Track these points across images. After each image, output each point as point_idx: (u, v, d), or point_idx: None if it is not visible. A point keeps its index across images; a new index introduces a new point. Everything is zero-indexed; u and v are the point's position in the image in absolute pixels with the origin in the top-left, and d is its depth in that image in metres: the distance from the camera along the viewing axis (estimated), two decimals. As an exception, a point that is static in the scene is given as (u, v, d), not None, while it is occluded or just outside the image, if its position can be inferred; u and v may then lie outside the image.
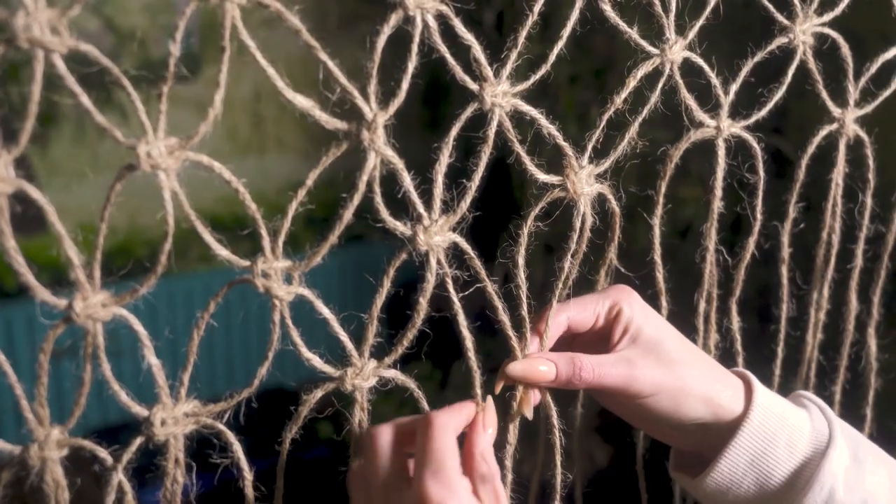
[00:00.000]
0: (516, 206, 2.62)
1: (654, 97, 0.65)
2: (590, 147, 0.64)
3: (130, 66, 0.48)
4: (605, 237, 0.70)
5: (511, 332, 0.65)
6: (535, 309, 0.67)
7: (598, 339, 0.69)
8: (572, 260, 0.67)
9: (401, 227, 0.57)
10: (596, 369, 0.65)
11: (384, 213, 0.56)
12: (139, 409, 0.53)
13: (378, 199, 0.55)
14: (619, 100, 0.63)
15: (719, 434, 0.67)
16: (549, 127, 0.61)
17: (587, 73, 2.32)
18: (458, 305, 0.61)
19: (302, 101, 0.51)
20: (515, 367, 0.65)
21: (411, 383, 0.63)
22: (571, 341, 0.70)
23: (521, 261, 0.64)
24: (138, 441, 0.53)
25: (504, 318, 0.64)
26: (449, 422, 0.60)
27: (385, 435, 0.61)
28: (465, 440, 0.63)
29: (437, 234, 0.57)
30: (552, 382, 0.66)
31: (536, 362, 0.66)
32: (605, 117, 0.63)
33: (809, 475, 0.65)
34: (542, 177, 0.63)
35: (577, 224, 0.65)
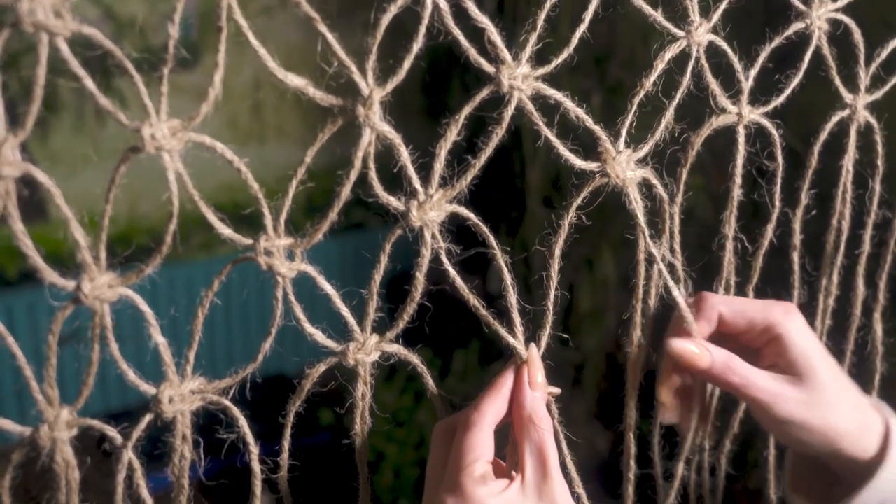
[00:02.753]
0: (519, 194, 2.62)
1: (686, 80, 0.64)
2: (624, 132, 0.62)
3: (131, 53, 0.48)
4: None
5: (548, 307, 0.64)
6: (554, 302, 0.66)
7: (741, 348, 0.69)
8: (656, 241, 0.67)
9: (394, 202, 0.56)
10: (748, 378, 0.66)
11: (378, 188, 0.55)
12: (147, 388, 0.53)
13: (372, 174, 0.54)
14: (648, 83, 0.62)
15: (850, 467, 0.68)
16: (576, 110, 0.60)
17: (587, 60, 2.31)
18: (454, 274, 0.60)
19: (295, 80, 0.50)
20: (676, 344, 0.66)
21: (414, 358, 0.63)
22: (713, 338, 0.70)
23: (557, 252, 0.63)
24: (147, 418, 0.53)
25: (512, 296, 0.63)
26: (482, 416, 0.60)
27: (438, 430, 0.62)
28: (512, 404, 0.62)
29: (433, 209, 0.57)
30: (702, 372, 0.66)
31: (696, 345, 0.67)
32: (636, 100, 0.62)
33: None
34: (579, 163, 0.62)
35: (636, 211, 0.64)
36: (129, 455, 0.53)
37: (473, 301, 0.61)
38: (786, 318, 0.67)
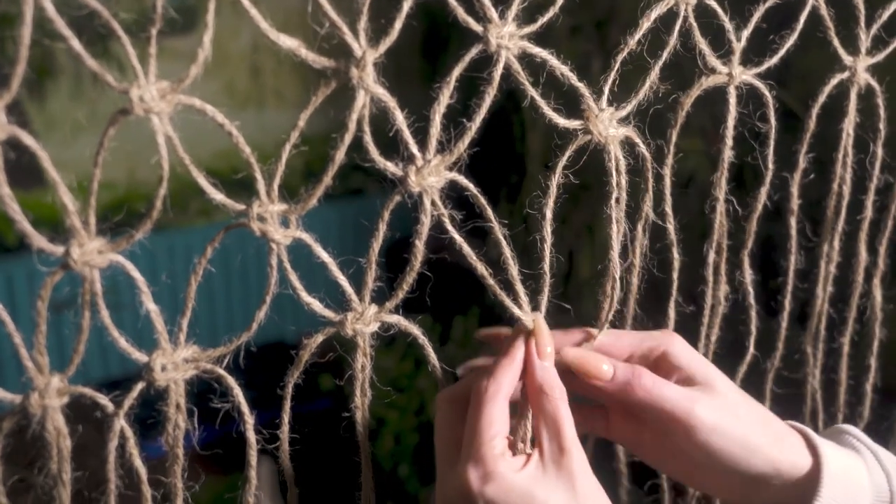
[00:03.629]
0: (519, 159, 2.60)
1: (673, 39, 0.63)
2: (606, 90, 0.61)
3: (118, 14, 0.47)
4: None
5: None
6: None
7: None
8: (617, 206, 0.65)
9: (391, 168, 0.55)
10: (657, 382, 0.62)
11: (374, 153, 0.54)
12: (139, 355, 0.52)
13: (367, 137, 0.53)
14: (632, 41, 0.61)
15: (783, 490, 0.64)
16: (561, 68, 0.59)
17: (588, 24, 2.29)
18: (460, 241, 0.59)
19: (287, 41, 0.49)
20: (571, 353, 0.64)
21: (414, 329, 0.62)
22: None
23: (549, 214, 0.62)
24: (139, 387, 0.53)
25: (513, 268, 0.62)
26: (499, 388, 0.59)
27: (444, 399, 0.62)
28: (525, 376, 0.61)
29: (432, 175, 0.56)
30: (606, 383, 0.63)
31: (596, 356, 0.64)
32: (619, 59, 0.61)
33: None
34: (562, 122, 0.61)
35: (612, 168, 0.63)
36: (120, 423, 0.52)
37: (481, 270, 0.60)
38: (665, 337, 0.65)
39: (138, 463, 0.54)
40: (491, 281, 0.60)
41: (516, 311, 0.61)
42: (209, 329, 2.75)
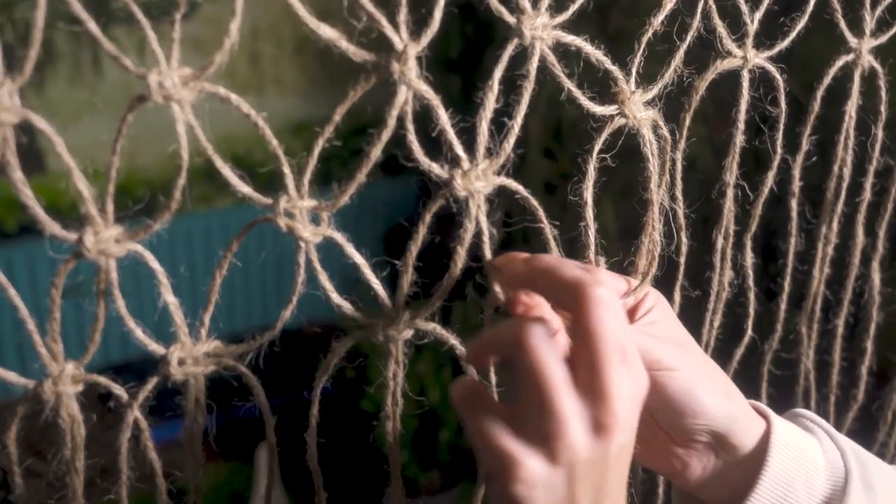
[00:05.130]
0: (517, 146, 2.59)
1: (696, 22, 0.62)
2: (634, 72, 0.60)
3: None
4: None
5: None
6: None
7: None
8: (655, 190, 0.63)
9: (437, 170, 0.53)
10: (652, 344, 0.60)
11: (418, 153, 0.52)
12: (156, 347, 0.51)
13: (411, 136, 0.51)
14: (656, 21, 0.60)
15: (734, 465, 0.62)
16: (595, 53, 0.57)
17: (590, 10, 2.28)
18: (490, 256, 0.57)
19: (327, 31, 0.47)
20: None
21: (451, 339, 0.59)
22: None
23: (589, 198, 0.60)
24: (154, 381, 0.52)
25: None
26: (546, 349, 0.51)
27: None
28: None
29: (479, 179, 0.53)
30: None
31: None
32: (644, 40, 0.60)
33: None
34: (598, 109, 0.59)
35: (647, 152, 0.61)
36: (135, 414, 0.52)
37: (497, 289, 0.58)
38: (654, 291, 0.64)
39: (153, 455, 0.53)
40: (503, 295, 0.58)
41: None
42: (214, 318, 2.74)
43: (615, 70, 0.59)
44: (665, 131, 0.64)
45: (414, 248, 0.55)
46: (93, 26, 0.43)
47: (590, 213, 0.61)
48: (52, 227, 0.45)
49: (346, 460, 1.70)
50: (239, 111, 0.48)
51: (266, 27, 2.78)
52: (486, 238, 0.55)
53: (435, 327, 0.57)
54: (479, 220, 0.54)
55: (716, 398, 0.60)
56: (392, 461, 0.63)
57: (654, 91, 0.61)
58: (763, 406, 0.65)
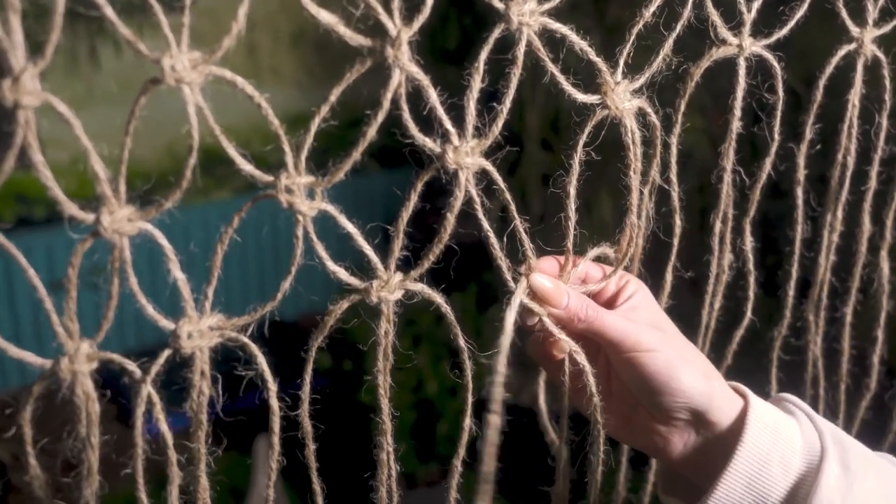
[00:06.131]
0: (516, 137, 2.61)
1: (687, 11, 0.64)
2: (622, 62, 0.62)
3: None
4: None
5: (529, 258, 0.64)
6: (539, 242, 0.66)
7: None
8: (634, 176, 0.67)
9: (430, 144, 0.56)
10: (599, 312, 0.65)
11: (413, 129, 0.55)
12: (166, 323, 0.53)
13: (406, 115, 0.54)
14: (648, 13, 0.62)
15: (713, 442, 0.66)
16: (580, 43, 0.60)
17: (587, 1, 2.29)
18: (487, 227, 0.61)
19: (326, 17, 0.50)
20: (537, 279, 0.65)
21: (438, 297, 0.63)
22: None
23: (572, 191, 0.63)
24: (166, 353, 0.54)
25: (530, 252, 0.64)
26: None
27: None
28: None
29: (468, 156, 0.57)
30: (562, 310, 0.65)
31: (556, 284, 0.65)
32: (635, 30, 0.62)
33: (806, 494, 0.63)
34: (581, 97, 0.62)
35: (629, 141, 0.64)
36: (147, 389, 0.53)
37: (499, 255, 0.62)
38: (634, 278, 0.69)
39: (164, 428, 0.55)
40: (504, 263, 0.63)
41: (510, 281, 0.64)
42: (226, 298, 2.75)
43: (599, 61, 0.62)
44: (654, 118, 0.66)
45: (405, 214, 0.59)
46: (110, 11, 0.44)
47: (572, 205, 0.64)
48: (71, 207, 0.47)
49: (344, 452, 1.71)
50: (243, 93, 0.51)
51: (263, 18, 2.79)
52: (477, 207, 0.59)
53: (423, 288, 0.61)
54: (469, 191, 0.58)
55: (693, 377, 0.64)
56: (384, 415, 0.66)
57: (642, 80, 0.64)
58: (743, 387, 0.68)
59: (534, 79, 0.61)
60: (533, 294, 0.65)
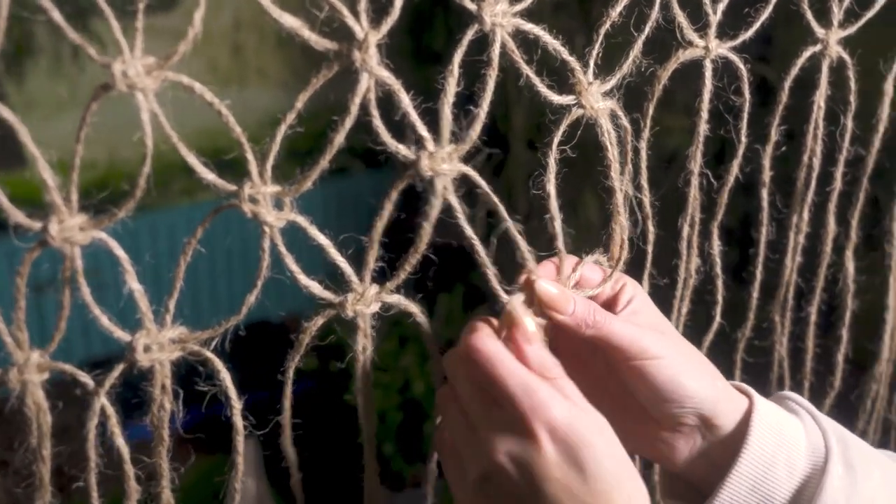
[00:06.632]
0: (502, 138, 2.60)
1: (654, 13, 0.63)
2: (592, 63, 0.62)
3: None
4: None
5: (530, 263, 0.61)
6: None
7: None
8: (615, 176, 0.65)
9: (404, 151, 0.54)
10: (606, 317, 0.62)
11: (385, 136, 0.53)
12: (121, 335, 0.52)
13: (377, 121, 0.52)
14: (614, 13, 0.61)
15: (717, 444, 0.64)
16: (553, 43, 0.58)
17: (572, 1, 2.29)
18: (470, 232, 0.58)
19: (290, 21, 0.48)
20: (545, 286, 0.61)
21: (414, 308, 0.61)
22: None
23: (552, 190, 0.62)
24: (121, 367, 0.52)
25: (528, 256, 0.61)
26: (494, 343, 0.57)
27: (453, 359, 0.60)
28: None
29: (445, 162, 0.55)
30: (568, 316, 0.62)
31: (564, 291, 0.63)
32: (602, 31, 0.61)
33: (811, 495, 0.62)
34: (556, 98, 0.61)
35: (606, 142, 0.63)
36: (101, 402, 0.52)
37: (486, 263, 0.59)
38: (629, 279, 0.67)
39: (121, 442, 0.54)
40: (492, 277, 0.60)
41: (502, 296, 0.60)
42: (193, 310, 2.74)
43: (572, 61, 0.60)
44: (625, 121, 0.65)
45: (379, 224, 0.57)
46: (56, 15, 0.43)
47: (554, 204, 0.62)
48: (17, 215, 0.46)
49: (330, 454, 1.71)
50: (202, 99, 0.49)
51: (248, 19, 2.78)
52: (459, 215, 0.57)
53: (400, 299, 0.59)
54: (448, 198, 0.56)
55: (701, 382, 0.63)
56: (366, 437, 0.64)
57: (613, 82, 0.63)
58: (746, 387, 0.67)
59: (518, 78, 0.60)
60: (529, 300, 0.61)
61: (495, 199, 0.58)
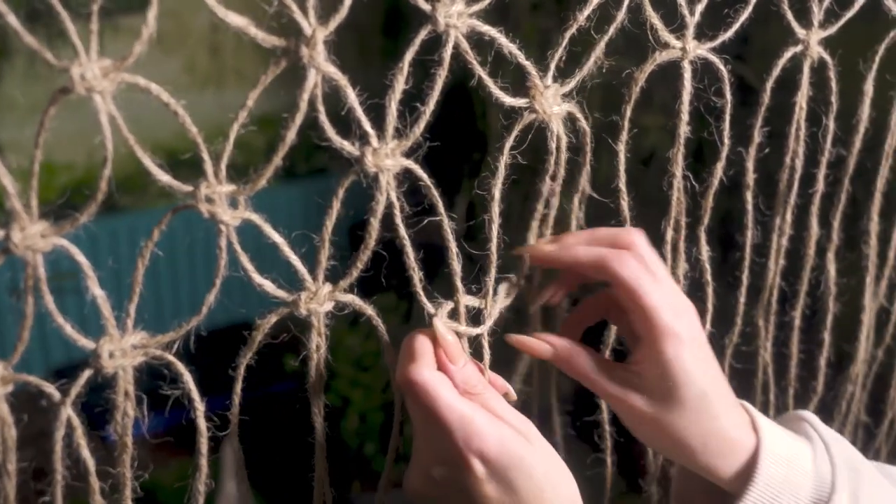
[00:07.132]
0: (480, 136, 2.60)
1: (621, 14, 0.62)
2: (552, 66, 0.61)
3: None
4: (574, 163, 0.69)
5: (455, 267, 0.63)
6: (508, 244, 0.65)
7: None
8: (552, 183, 0.66)
9: (348, 147, 0.55)
10: (592, 375, 0.65)
11: (330, 132, 0.53)
12: (86, 342, 0.51)
13: (323, 117, 0.52)
14: (582, 16, 0.61)
15: (726, 465, 0.65)
16: (509, 46, 0.58)
17: (549, 0, 2.29)
18: (403, 234, 0.59)
19: (235, 19, 0.48)
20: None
21: (369, 309, 0.61)
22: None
23: (497, 194, 0.62)
24: (87, 374, 0.51)
25: (454, 261, 0.62)
26: (430, 374, 0.58)
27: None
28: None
29: (388, 158, 0.55)
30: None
31: (535, 339, 0.66)
32: (568, 34, 0.61)
33: None
34: (508, 100, 0.61)
35: (553, 146, 0.64)
36: (67, 412, 0.51)
37: (411, 263, 0.60)
38: (628, 236, 0.67)
39: (86, 454, 0.53)
40: (417, 281, 0.61)
41: (429, 307, 0.62)
42: (156, 314, 2.72)
43: (528, 64, 0.60)
44: (584, 124, 0.65)
45: (329, 224, 0.57)
46: (13, 20, 0.42)
47: (496, 208, 0.62)
48: None
49: (311, 454, 1.69)
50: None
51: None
52: (397, 212, 0.57)
53: (353, 299, 0.60)
54: (389, 195, 0.57)
55: (730, 432, 0.64)
56: (318, 437, 0.65)
57: (573, 84, 0.63)
58: (753, 410, 0.66)
59: (493, 78, 0.59)
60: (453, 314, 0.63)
61: (436, 195, 0.59)
